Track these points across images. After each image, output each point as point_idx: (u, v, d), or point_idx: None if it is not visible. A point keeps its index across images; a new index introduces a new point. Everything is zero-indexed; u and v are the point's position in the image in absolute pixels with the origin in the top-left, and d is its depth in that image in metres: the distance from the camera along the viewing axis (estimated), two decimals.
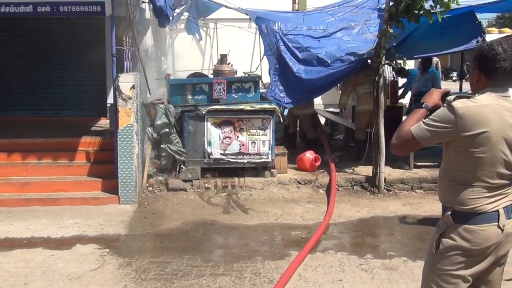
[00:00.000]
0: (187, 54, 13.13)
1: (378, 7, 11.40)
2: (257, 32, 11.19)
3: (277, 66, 10.20)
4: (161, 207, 8.35)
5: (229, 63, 9.97)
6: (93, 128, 10.95)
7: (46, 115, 12.23)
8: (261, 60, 11.21)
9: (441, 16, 8.97)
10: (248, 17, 11.17)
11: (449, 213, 3.11)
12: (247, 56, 13.02)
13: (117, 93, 8.28)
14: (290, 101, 10.11)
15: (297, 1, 12.93)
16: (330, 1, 12.73)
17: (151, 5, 9.07)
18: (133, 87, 8.30)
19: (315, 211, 8.27)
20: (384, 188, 9.28)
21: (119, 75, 8.38)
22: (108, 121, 11.79)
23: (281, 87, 10.13)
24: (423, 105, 3.26)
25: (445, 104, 3.06)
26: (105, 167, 8.94)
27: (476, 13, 10.16)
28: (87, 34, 12.13)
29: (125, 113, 8.29)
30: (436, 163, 10.09)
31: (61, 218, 7.74)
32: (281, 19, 10.84)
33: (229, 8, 10.84)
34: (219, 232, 7.32)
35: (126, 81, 8.25)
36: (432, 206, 8.52)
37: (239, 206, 8.46)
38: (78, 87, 12.24)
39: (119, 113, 8.27)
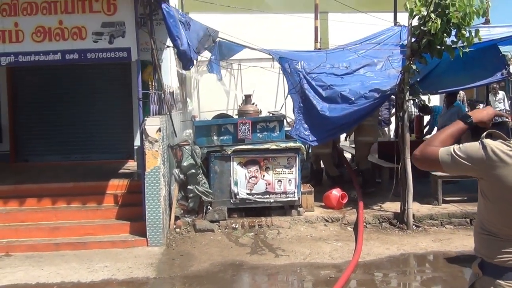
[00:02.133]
0: (211, 95, 13.31)
1: (401, 43, 11.47)
2: (280, 71, 11.27)
3: (301, 104, 10.28)
4: (189, 249, 8.36)
5: (253, 103, 10.07)
6: (121, 171, 11.10)
7: (75, 159, 12.42)
8: (285, 99, 11.31)
9: (464, 51, 8.96)
10: (270, 56, 11.31)
11: (478, 263, 2.86)
12: (271, 95, 13.14)
13: (143, 136, 8.39)
14: (315, 139, 10.12)
15: (319, 40, 13.06)
16: (351, 39, 12.80)
17: (175, 49, 9.21)
18: (159, 130, 8.41)
19: (343, 249, 8.20)
20: (413, 224, 9.19)
21: (145, 118, 8.50)
22: (135, 163, 11.97)
23: (305, 126, 10.18)
24: (467, 120, 2.95)
25: (480, 140, 2.76)
26: (132, 210, 9.01)
27: (499, 46, 10.13)
28: (114, 77, 12.38)
29: (152, 155, 8.39)
30: (465, 198, 10.00)
31: (91, 262, 7.79)
32: (303, 58, 10.97)
33: (253, 49, 10.99)
34: (248, 273, 7.31)
35: (152, 124, 8.37)
36: (463, 242, 8.40)
37: (267, 246, 8.43)
38: (106, 131, 12.45)
39: (146, 155, 8.38)
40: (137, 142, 12.01)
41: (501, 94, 15.68)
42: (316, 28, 13.14)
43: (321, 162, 11.73)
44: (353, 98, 10.08)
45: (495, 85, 15.01)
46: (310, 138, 10.09)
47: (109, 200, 9.30)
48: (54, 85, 12.44)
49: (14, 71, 12.15)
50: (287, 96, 10.91)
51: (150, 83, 11.56)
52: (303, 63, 10.57)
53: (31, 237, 8.58)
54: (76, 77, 12.29)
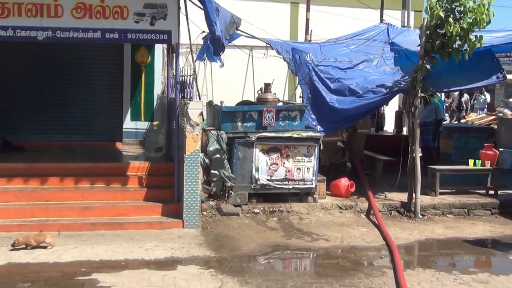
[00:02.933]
0: (220, 81, 13.96)
1: (390, 41, 12.73)
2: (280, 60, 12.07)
3: (309, 95, 11.23)
4: (225, 231, 9.08)
5: (271, 92, 10.88)
6: (125, 153, 11.50)
7: (57, 139, 12.62)
8: (295, 89, 12.19)
9: (468, 55, 10.25)
10: (264, 45, 12.12)
11: None
12: (281, 84, 13.93)
13: (185, 119, 8.97)
14: (322, 129, 11.06)
15: (310, 32, 14.03)
16: (334, 32, 13.82)
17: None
18: (201, 114, 9.04)
19: (370, 234, 9.27)
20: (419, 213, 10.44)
21: (188, 102, 9.09)
22: (124, 146, 12.42)
23: (313, 116, 11.13)
24: None
25: None
26: (160, 192, 9.57)
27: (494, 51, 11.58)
28: (105, 58, 12.72)
29: (192, 138, 9.01)
30: (454, 190, 11.49)
31: (138, 241, 8.31)
32: (305, 49, 11.91)
33: (254, 38, 11.71)
34: (302, 254, 8.18)
35: (195, 108, 8.97)
36: (472, 229, 9.77)
37: (298, 230, 9.32)
38: (92, 112, 12.77)
39: (186, 139, 8.97)
40: (126, 125, 12.52)
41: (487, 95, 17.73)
42: (307, 20, 14.12)
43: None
44: (360, 92, 11.16)
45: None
46: (318, 128, 11.04)
47: (133, 182, 9.78)
48: (39, 63, 12.55)
49: None
50: (296, 86, 11.81)
51: (142, 65, 12.12)
52: (312, 55, 11.53)
53: (62, 216, 8.91)
54: (63, 55, 12.49)
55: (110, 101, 12.89)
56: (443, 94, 15.84)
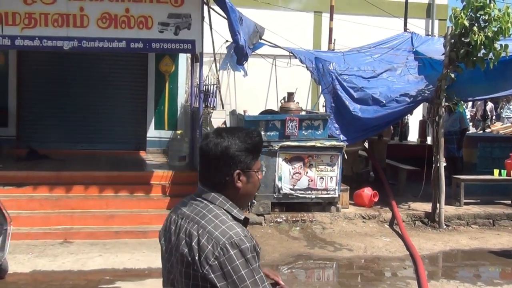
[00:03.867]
0: (243, 91, 14.03)
1: (414, 50, 12.68)
2: (302, 68, 12.08)
3: (333, 104, 11.21)
4: None
5: (294, 101, 10.90)
6: (149, 162, 11.59)
7: (81, 148, 12.76)
8: (318, 98, 12.20)
9: (493, 63, 10.17)
10: (287, 54, 12.15)
11: None
12: (304, 93, 13.97)
13: (208, 128, 9.03)
14: (346, 138, 11.05)
15: (333, 41, 14.04)
16: (357, 40, 13.83)
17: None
18: (224, 123, 9.10)
19: (394, 244, 9.20)
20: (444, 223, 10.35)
21: (212, 111, 9.16)
22: (147, 155, 12.51)
23: (336, 125, 11.12)
24: None
25: None
26: None
27: None
28: (129, 67, 12.84)
29: None
30: (479, 200, 11.39)
31: None
32: (328, 58, 11.92)
33: (278, 47, 11.76)
34: (325, 263, 8.15)
35: (218, 117, 9.07)
36: (497, 240, 9.64)
37: (321, 240, 9.30)
38: (116, 121, 12.90)
39: None
40: (150, 134, 12.61)
41: None
42: (331, 29, 14.12)
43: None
44: (384, 101, 11.11)
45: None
46: (341, 138, 11.03)
47: (157, 191, 9.85)
48: (65, 71, 12.73)
49: (23, 55, 12.32)
50: (320, 95, 11.82)
51: (166, 74, 12.21)
52: (335, 64, 11.52)
53: (87, 224, 9.00)
54: (88, 64, 12.65)
55: (134, 110, 13.00)
56: (469, 103, 15.70)
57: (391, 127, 13.59)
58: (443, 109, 10.57)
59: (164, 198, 9.70)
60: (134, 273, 7.41)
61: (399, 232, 9.79)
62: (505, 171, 11.54)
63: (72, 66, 12.64)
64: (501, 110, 18.78)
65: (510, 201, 11.44)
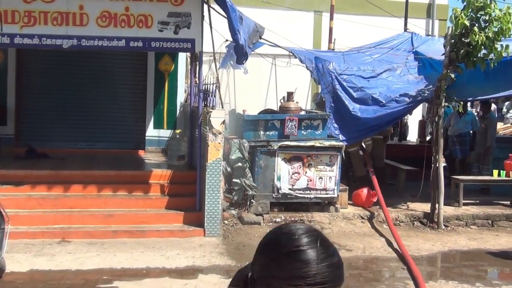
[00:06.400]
0: (242, 91, 14.01)
1: (414, 50, 12.65)
2: (302, 68, 12.06)
3: (332, 104, 11.19)
4: (246, 240, 9.06)
5: (294, 100, 10.87)
6: (148, 161, 11.56)
7: (81, 147, 12.70)
8: (318, 98, 12.16)
9: (487, 64, 10.14)
10: (287, 53, 12.12)
11: None
12: (303, 93, 13.96)
13: (207, 127, 8.99)
14: (345, 138, 11.02)
15: (333, 41, 14.02)
16: (357, 40, 13.80)
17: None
18: (223, 122, 9.06)
19: (393, 244, 9.17)
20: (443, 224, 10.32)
21: (211, 110, 9.11)
22: (146, 154, 12.48)
23: (336, 125, 11.09)
24: None
25: None
26: (182, 200, 9.60)
27: None
28: (129, 66, 12.78)
29: (215, 147, 9.02)
30: (478, 201, 11.41)
31: (159, 250, 8.33)
32: (328, 58, 11.89)
33: (278, 46, 11.73)
34: None
35: (217, 117, 8.99)
36: (496, 241, 9.62)
37: None
38: (115, 120, 12.84)
39: (208, 147, 8.99)
40: (149, 133, 12.58)
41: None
42: (331, 28, 14.10)
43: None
44: (384, 101, 11.08)
45: None
46: (341, 138, 11.00)
47: (155, 190, 9.82)
48: (64, 70, 12.63)
49: (23, 54, 12.27)
50: (319, 95, 11.79)
51: (165, 73, 12.17)
52: (335, 64, 11.49)
53: (85, 223, 8.97)
54: (88, 63, 12.57)
55: (133, 109, 12.95)
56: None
57: (391, 127, 13.57)
58: (443, 109, 10.54)
59: (163, 197, 9.67)
60: (132, 272, 7.39)
61: (398, 233, 9.76)
62: (504, 171, 11.50)
63: (71, 65, 12.55)
64: (505, 111, 18.76)
65: (509, 202, 11.42)
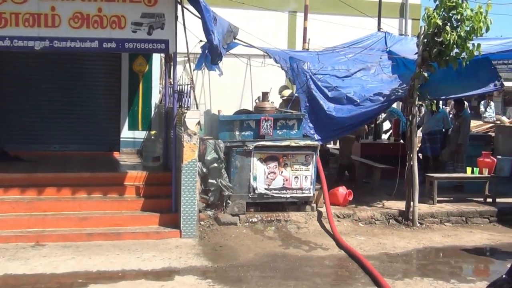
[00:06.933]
0: (217, 91, 14.00)
1: (388, 49, 12.75)
2: (276, 68, 12.08)
3: (307, 104, 11.21)
4: (222, 241, 9.05)
5: (269, 101, 10.87)
6: (123, 163, 11.49)
7: (54, 149, 12.58)
8: (293, 98, 12.17)
9: (459, 62, 10.25)
10: (262, 53, 12.14)
11: None
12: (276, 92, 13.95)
13: (182, 128, 8.96)
14: (320, 138, 11.06)
15: (307, 41, 14.05)
16: (331, 40, 13.87)
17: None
18: (198, 123, 9.03)
19: (368, 242, 9.25)
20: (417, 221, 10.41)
21: (186, 111, 9.08)
22: (121, 155, 12.41)
23: (311, 125, 11.11)
24: None
25: None
26: (157, 202, 9.56)
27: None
28: (103, 67, 12.72)
29: (190, 148, 8.99)
30: (451, 198, 11.53)
31: (135, 252, 8.27)
32: (303, 58, 11.92)
33: (253, 47, 11.73)
34: (300, 263, 8.13)
35: (192, 117, 8.96)
36: (471, 238, 9.76)
37: (296, 240, 9.30)
38: (89, 122, 12.74)
39: (184, 148, 8.95)
40: (124, 134, 12.51)
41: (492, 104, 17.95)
42: (305, 28, 14.15)
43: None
44: (358, 100, 11.14)
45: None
46: (316, 137, 11.02)
47: (131, 192, 9.76)
48: (37, 72, 12.51)
49: None
50: (294, 95, 11.82)
51: (140, 74, 12.13)
52: (309, 64, 11.53)
53: (59, 227, 8.87)
54: (61, 64, 12.46)
55: (107, 111, 12.86)
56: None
57: (365, 126, 13.68)
58: (417, 108, 10.64)
59: (138, 199, 9.62)
60: (107, 275, 7.33)
61: (374, 231, 9.88)
62: (478, 169, 11.65)
63: (44, 67, 12.44)
64: (483, 110, 18.98)
65: (482, 199, 11.56)
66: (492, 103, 18.56)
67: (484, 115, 18.72)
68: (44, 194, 9.43)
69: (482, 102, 20.07)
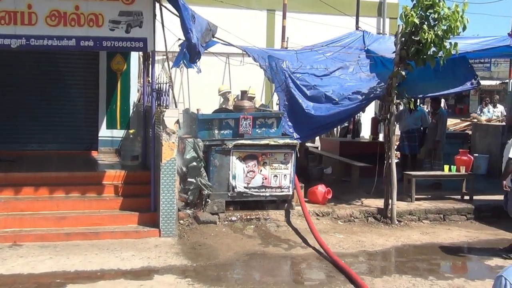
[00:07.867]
0: (196, 90, 13.94)
1: (366, 48, 12.82)
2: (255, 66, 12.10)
3: (286, 102, 11.23)
4: (202, 240, 9.04)
5: (248, 99, 10.88)
6: (101, 162, 11.41)
7: (31, 148, 12.46)
8: (271, 96, 12.22)
9: (437, 61, 10.35)
10: (240, 52, 12.14)
11: None
12: (257, 92, 14.01)
13: (161, 127, 8.94)
14: (299, 136, 11.08)
15: (286, 39, 14.07)
16: (309, 39, 13.90)
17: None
18: (177, 121, 9.01)
19: (347, 240, 9.30)
20: (396, 219, 10.49)
21: (164, 110, 9.05)
22: (99, 155, 12.33)
23: (290, 123, 11.13)
24: None
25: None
26: (136, 201, 9.52)
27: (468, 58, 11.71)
28: (80, 65, 12.61)
29: (169, 147, 8.97)
30: (429, 196, 11.68)
31: (114, 251, 8.23)
32: (281, 57, 11.94)
33: (231, 45, 11.72)
34: (279, 261, 8.17)
35: (171, 116, 8.94)
36: (448, 235, 9.86)
37: (275, 238, 9.33)
38: (66, 120, 12.64)
39: (162, 147, 8.93)
40: (102, 133, 12.43)
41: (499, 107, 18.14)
42: (283, 27, 14.16)
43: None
44: (337, 99, 11.18)
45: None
46: (295, 136, 11.05)
47: (109, 191, 9.70)
48: (14, 70, 12.36)
49: None
50: (273, 93, 11.84)
51: (118, 73, 12.05)
52: (288, 62, 11.54)
53: (37, 226, 8.79)
54: (38, 62, 12.34)
55: (85, 109, 12.77)
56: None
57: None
58: (395, 106, 10.72)
59: (117, 198, 9.57)
60: (86, 275, 7.28)
61: (353, 229, 9.94)
62: (455, 166, 11.76)
63: (21, 65, 12.30)
64: (480, 113, 19.11)
65: (459, 196, 11.68)
66: (490, 106, 18.68)
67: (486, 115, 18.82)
68: (21, 194, 9.35)
69: (479, 107, 20.14)
